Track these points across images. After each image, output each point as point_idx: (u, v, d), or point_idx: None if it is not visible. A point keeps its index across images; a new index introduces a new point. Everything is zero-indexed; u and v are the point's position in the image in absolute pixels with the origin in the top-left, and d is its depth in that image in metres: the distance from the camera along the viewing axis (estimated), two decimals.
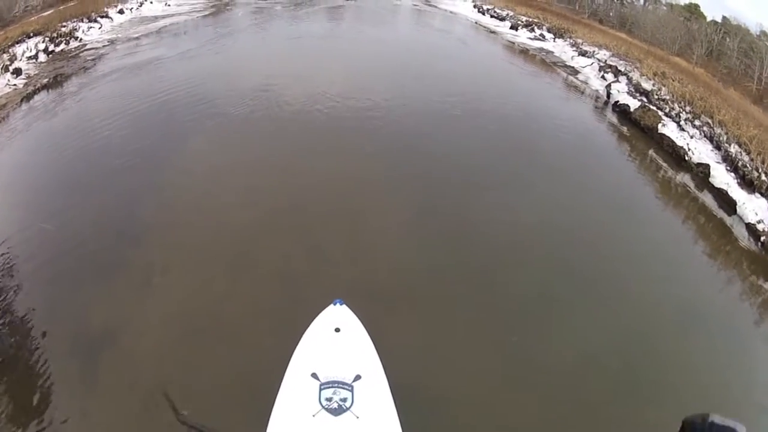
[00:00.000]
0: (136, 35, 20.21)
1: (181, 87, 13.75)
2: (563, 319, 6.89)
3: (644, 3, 29.53)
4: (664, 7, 28.36)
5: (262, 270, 7.27)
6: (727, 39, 22.80)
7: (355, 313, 4.97)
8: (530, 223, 9.06)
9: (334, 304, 5.09)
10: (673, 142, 14.04)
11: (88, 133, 10.89)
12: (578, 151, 13.29)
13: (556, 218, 9.29)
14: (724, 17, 24.75)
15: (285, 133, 11.51)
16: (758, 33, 22.47)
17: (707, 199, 12.07)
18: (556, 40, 24.23)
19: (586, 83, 19.04)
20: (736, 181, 12.70)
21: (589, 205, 10.22)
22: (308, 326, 4.89)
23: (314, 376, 4.34)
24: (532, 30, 25.40)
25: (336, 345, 4.72)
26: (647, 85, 16.85)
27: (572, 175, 11.39)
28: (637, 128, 15.18)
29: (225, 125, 11.76)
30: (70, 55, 17.32)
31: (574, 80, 19.45)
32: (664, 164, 13.50)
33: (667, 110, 15.41)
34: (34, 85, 14.20)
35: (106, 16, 22.47)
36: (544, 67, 21.14)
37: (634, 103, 15.91)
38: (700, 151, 13.86)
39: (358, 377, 4.34)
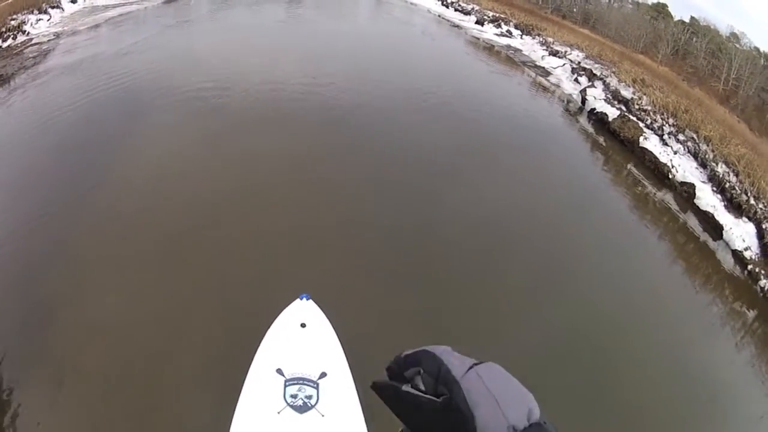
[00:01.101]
0: (83, 27, 18.92)
1: (120, 84, 12.49)
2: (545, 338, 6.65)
3: (609, 0, 28.84)
4: (630, 5, 27.83)
5: (223, 264, 7.06)
6: (694, 39, 22.45)
7: (322, 309, 4.77)
8: (497, 234, 8.70)
9: (300, 299, 4.94)
10: (655, 157, 12.54)
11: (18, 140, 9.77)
12: (550, 163, 11.78)
13: (525, 238, 8.73)
14: (692, 17, 24.36)
15: (241, 125, 10.91)
16: (728, 34, 22.10)
17: (692, 221, 11.01)
18: (524, 37, 22.50)
19: (558, 86, 17.32)
20: (722, 203, 11.60)
21: (562, 226, 9.29)
22: (273, 321, 4.70)
23: (279, 372, 4.21)
24: (499, 26, 23.55)
25: (302, 341, 4.60)
26: (626, 93, 15.22)
27: (544, 190, 10.33)
28: (616, 140, 13.67)
29: (171, 121, 10.93)
30: (14, 51, 15.73)
31: (545, 82, 17.72)
32: (646, 181, 12.16)
33: (648, 122, 13.83)
34: None
35: (58, 6, 21.14)
36: (512, 66, 19.35)
37: (612, 112, 14.24)
38: (685, 168, 12.40)
39: (323, 374, 4.25)
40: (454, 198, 9.29)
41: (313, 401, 4.02)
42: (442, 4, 27.01)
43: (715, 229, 10.63)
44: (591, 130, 14.33)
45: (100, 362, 5.57)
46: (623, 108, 14.58)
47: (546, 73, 18.41)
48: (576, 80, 17.24)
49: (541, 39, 21.60)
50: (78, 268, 6.81)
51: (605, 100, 15.09)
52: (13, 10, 19.73)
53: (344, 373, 4.33)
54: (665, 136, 13.34)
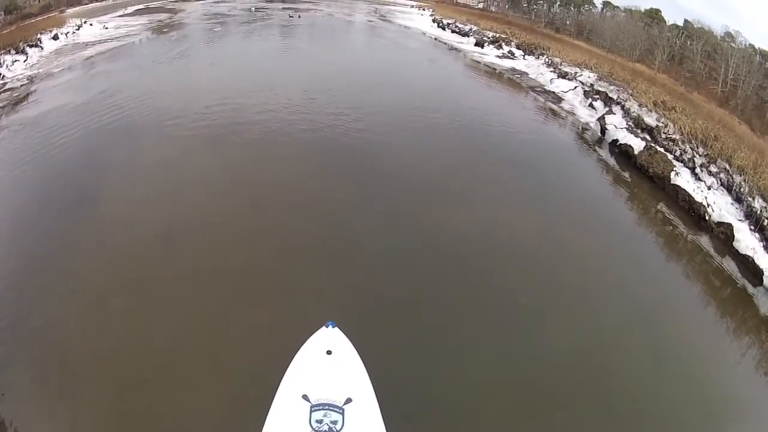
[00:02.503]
0: (59, 68, 18.27)
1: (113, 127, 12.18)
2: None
3: (602, 10, 28.42)
4: (623, 14, 27.51)
5: (249, 292, 7.04)
6: (689, 42, 22.05)
7: (347, 336, 4.98)
8: (522, 270, 8.32)
9: (326, 327, 5.10)
10: (689, 196, 11.31)
11: None
12: (571, 202, 10.86)
13: (549, 282, 8.16)
14: (686, 21, 23.95)
15: (256, 154, 11.09)
16: (723, 34, 21.57)
17: (729, 265, 9.94)
18: (527, 57, 21.58)
19: (573, 113, 16.26)
20: (762, 244, 10.38)
21: (592, 272, 8.63)
22: (299, 348, 4.88)
23: (305, 397, 4.37)
24: (500, 47, 22.64)
25: (328, 367, 4.71)
26: (649, 120, 14.08)
27: (565, 232, 9.57)
28: (644, 175, 12.45)
29: (182, 151, 10.96)
30: None
31: (558, 109, 16.67)
32: (679, 222, 11.01)
33: (677, 153, 12.64)
34: None
35: (37, 45, 20.54)
36: (520, 92, 18.35)
37: (637, 144, 13.07)
38: (720, 206, 11.23)
39: (349, 400, 4.37)
40: (475, 229, 9.16)
41: (338, 426, 4.19)
42: (438, 26, 26.22)
43: (755, 274, 9.57)
44: (614, 163, 13.21)
45: (125, 387, 5.51)
46: (648, 137, 13.43)
47: (557, 98, 17.37)
48: (591, 105, 16.18)
49: (546, 59, 20.62)
50: (102, 293, 6.83)
51: (627, 128, 13.94)
52: None
53: (370, 398, 4.48)
54: (697, 169, 12.15)
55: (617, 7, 27.39)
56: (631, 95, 15.95)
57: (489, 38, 23.69)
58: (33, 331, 6.18)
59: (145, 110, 13.49)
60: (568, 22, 27.56)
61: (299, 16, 30.27)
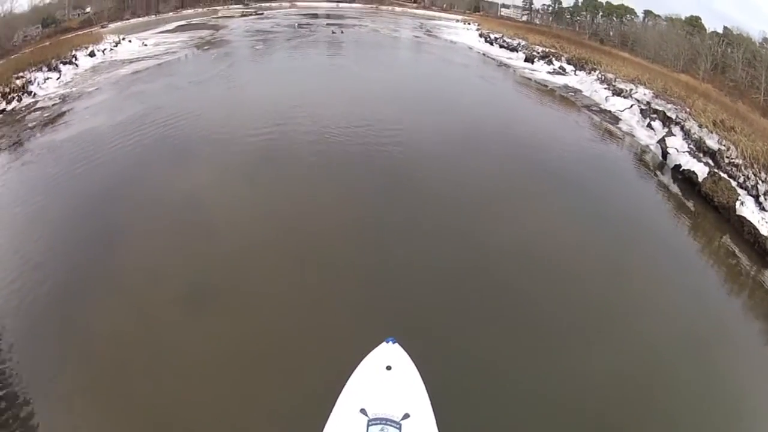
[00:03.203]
0: (93, 88, 18.25)
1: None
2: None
3: (644, 19, 28.42)
4: (664, 23, 27.46)
5: (313, 309, 7.43)
6: (730, 50, 21.92)
7: (408, 352, 5.05)
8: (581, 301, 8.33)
9: (387, 342, 5.20)
10: (755, 228, 11.07)
11: None
12: (631, 231, 10.74)
13: (605, 305, 8.28)
14: (725, 27, 23.76)
15: (314, 172, 11.74)
16: (761, 41, 21.52)
17: None
18: (578, 73, 22.00)
19: (631, 134, 16.73)
20: None
21: (648, 299, 8.54)
22: (359, 363, 4.98)
23: (363, 411, 4.44)
24: (550, 62, 23.13)
25: (387, 382, 4.80)
26: (711, 142, 14.45)
27: (622, 261, 9.57)
28: (707, 204, 12.41)
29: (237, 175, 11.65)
30: (18, 116, 15.48)
31: (615, 130, 17.12)
32: (743, 257, 10.67)
33: (741, 179, 12.83)
34: None
35: (71, 62, 20.23)
36: (575, 111, 18.82)
37: (700, 170, 13.41)
38: None
39: (407, 416, 4.42)
40: (530, 250, 9.42)
41: None
42: (486, 41, 26.81)
43: None
44: (676, 190, 13.36)
45: (189, 401, 5.82)
46: (710, 162, 13.82)
47: (614, 118, 17.87)
48: (649, 126, 16.64)
49: (598, 75, 21.04)
50: (166, 311, 7.30)
51: (689, 152, 14.38)
52: (19, 67, 18.70)
53: (427, 415, 4.56)
54: (761, 197, 12.32)
55: (658, 16, 27.44)
56: (690, 114, 16.29)
57: (539, 53, 24.19)
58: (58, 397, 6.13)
59: (176, 134, 13.73)
60: (611, 33, 27.73)
61: (342, 32, 30.82)
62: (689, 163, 13.93)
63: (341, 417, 4.52)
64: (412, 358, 5.11)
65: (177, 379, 6.21)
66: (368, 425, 4.39)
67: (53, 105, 16.43)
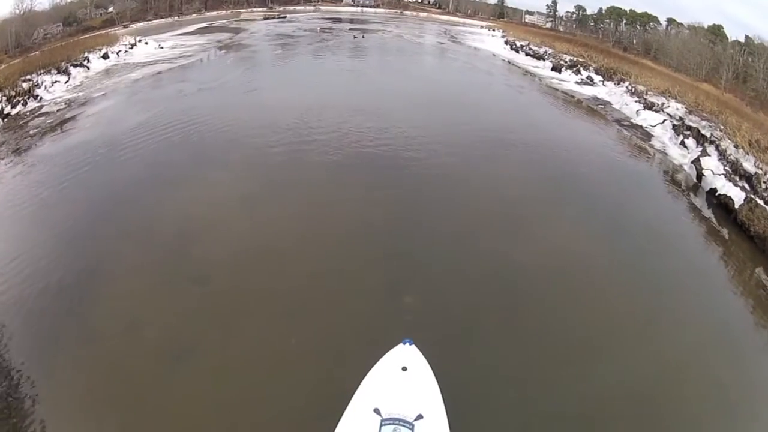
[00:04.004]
0: (101, 92, 17.92)
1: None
2: None
3: (667, 27, 28.01)
4: (687, 30, 27.31)
5: (332, 309, 7.61)
6: (751, 59, 21.67)
7: (424, 354, 5.10)
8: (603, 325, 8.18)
9: (404, 344, 5.27)
10: None
11: None
12: (661, 255, 10.47)
13: (629, 325, 8.17)
14: (746, 37, 23.57)
15: (337, 176, 12.27)
16: None
17: None
18: (606, 83, 21.70)
19: (664, 152, 16.48)
20: None
21: (673, 325, 8.38)
22: (375, 363, 5.04)
23: (377, 411, 4.50)
24: (578, 72, 22.84)
25: (401, 383, 4.86)
26: (747, 165, 14.16)
27: (655, 288, 9.29)
28: (743, 233, 11.94)
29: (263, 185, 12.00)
30: (21, 121, 15.24)
31: (648, 148, 16.86)
32: None
33: None
34: None
35: (82, 65, 19.81)
36: (606, 125, 18.58)
37: (737, 194, 13.04)
38: None
39: (420, 417, 4.47)
40: (553, 262, 9.51)
41: None
42: (511, 49, 26.57)
43: None
44: (710, 215, 12.98)
45: (202, 399, 6.00)
46: (747, 186, 13.56)
47: (646, 134, 17.63)
48: (683, 143, 16.38)
49: (628, 86, 20.74)
50: (190, 315, 7.52)
51: (725, 175, 14.13)
52: (25, 69, 18.16)
53: (440, 416, 4.63)
54: None
55: (681, 24, 27.29)
56: (725, 132, 15.99)
57: (566, 62, 23.94)
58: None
59: (177, 147, 13.64)
60: (634, 41, 27.36)
61: (363, 37, 30.86)
62: (725, 187, 13.64)
63: (355, 416, 4.57)
64: (428, 361, 5.16)
65: (198, 376, 6.46)
66: (381, 425, 4.43)
67: (58, 110, 16.10)
